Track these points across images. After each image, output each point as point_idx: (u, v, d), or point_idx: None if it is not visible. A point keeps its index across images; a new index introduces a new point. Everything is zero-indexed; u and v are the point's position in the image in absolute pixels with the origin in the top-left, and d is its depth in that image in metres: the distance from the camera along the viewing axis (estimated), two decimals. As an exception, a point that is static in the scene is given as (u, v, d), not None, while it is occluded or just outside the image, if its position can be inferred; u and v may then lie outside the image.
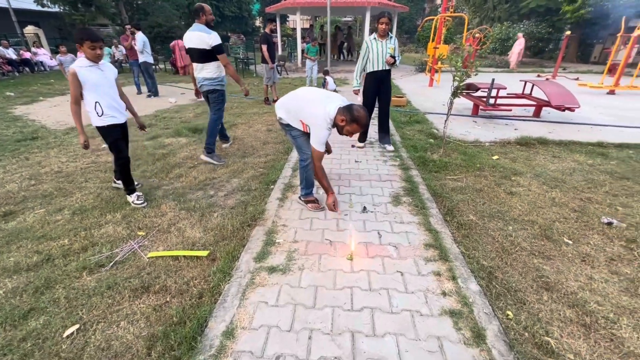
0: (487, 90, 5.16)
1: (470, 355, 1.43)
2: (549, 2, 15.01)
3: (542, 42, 16.46)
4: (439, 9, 41.57)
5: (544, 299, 1.80)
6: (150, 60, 7.70)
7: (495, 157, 3.92)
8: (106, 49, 13.67)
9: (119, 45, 13.73)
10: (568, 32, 10.09)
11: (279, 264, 2.04)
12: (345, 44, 17.14)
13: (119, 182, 2.97)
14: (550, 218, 2.63)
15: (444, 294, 1.79)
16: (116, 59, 13.16)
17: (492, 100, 5.33)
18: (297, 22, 12.52)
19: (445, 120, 4.05)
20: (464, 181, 3.27)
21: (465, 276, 1.92)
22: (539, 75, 11.00)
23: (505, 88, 5.51)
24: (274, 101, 7.25)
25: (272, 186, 3.16)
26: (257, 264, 2.04)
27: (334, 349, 1.46)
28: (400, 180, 3.29)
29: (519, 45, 12.92)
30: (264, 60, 6.85)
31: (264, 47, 6.69)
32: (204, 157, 3.78)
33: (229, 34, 30.17)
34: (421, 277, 1.93)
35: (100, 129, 2.65)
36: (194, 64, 3.58)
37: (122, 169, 2.75)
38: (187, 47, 3.52)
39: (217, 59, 3.53)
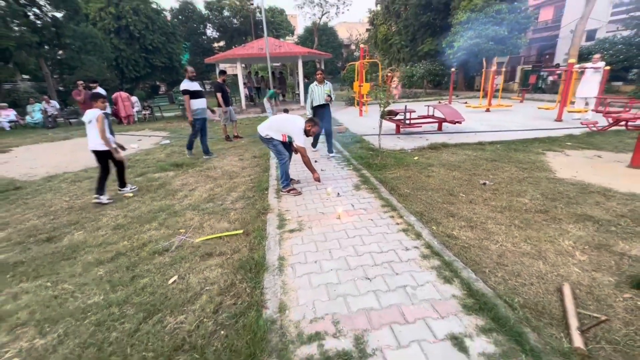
0: (403, 114, 7.01)
1: (416, 245, 2.68)
2: (437, 47, 19.21)
3: (438, 76, 20.64)
4: (356, 53, 47.31)
5: (450, 220, 3.17)
6: (109, 111, 8.16)
7: (415, 158, 5.54)
8: (37, 105, 13.22)
9: (50, 101, 13.41)
10: (453, 69, 13.33)
11: (295, 228, 3.10)
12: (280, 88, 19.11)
13: (102, 197, 4.09)
14: (452, 185, 4.15)
15: (397, 223, 3.06)
16: (49, 114, 12.77)
17: (408, 121, 7.20)
18: (239, 70, 13.96)
19: (379, 137, 5.61)
20: (398, 174, 4.73)
21: (407, 215, 3.22)
22: (439, 102, 14.02)
23: (415, 111, 7.49)
24: (235, 137, 8.26)
25: (266, 192, 4.19)
26: (280, 230, 3.07)
27: (344, 252, 2.59)
28: (356, 177, 4.62)
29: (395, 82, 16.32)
30: (219, 105, 7.92)
31: (219, 95, 7.78)
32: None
33: (159, 84, 30.41)
34: (383, 220, 3.18)
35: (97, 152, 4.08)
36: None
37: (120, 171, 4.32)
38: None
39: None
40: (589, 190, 3.81)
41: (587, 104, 8.36)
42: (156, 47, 23.18)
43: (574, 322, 1.80)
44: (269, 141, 4.04)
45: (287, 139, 4.07)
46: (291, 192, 4.07)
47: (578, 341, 1.68)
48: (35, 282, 2.49)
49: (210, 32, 38.33)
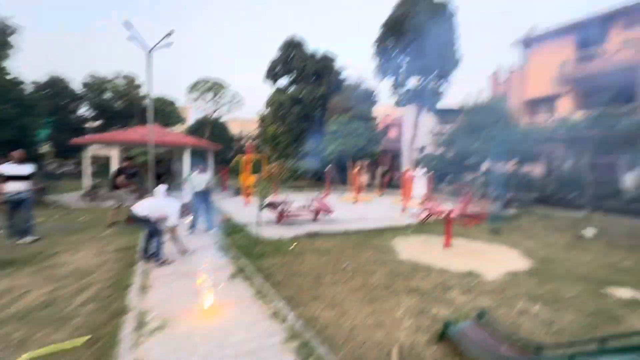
0: (283, 204, 7.76)
1: (281, 329, 2.88)
2: (316, 148, 22.68)
3: (319, 172, 23.77)
4: (244, 147, 50.03)
5: (314, 302, 3.55)
6: None
7: (292, 246, 6.04)
8: None
9: None
10: (329, 166, 15.87)
11: (157, 326, 2.87)
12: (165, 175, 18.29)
13: None
14: (321, 270, 4.69)
15: (266, 310, 3.23)
16: None
17: (286, 212, 7.94)
18: (114, 155, 12.95)
19: (258, 226, 5.98)
20: (274, 261, 5.04)
21: (277, 300, 3.45)
22: (319, 194, 15.94)
23: (294, 202, 8.39)
24: (111, 224, 7.36)
25: (128, 289, 3.76)
26: (138, 331, 2.78)
27: (209, 347, 2.54)
28: (233, 265, 4.67)
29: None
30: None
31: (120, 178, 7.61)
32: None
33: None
34: (253, 307, 3.29)
35: None
36: None
37: None
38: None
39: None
40: (418, 267, 4.92)
41: (421, 200, 11.10)
42: (5, 120, 19.50)
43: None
44: (143, 221, 4.72)
45: (162, 219, 4.78)
46: (167, 261, 4.75)
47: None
48: None
49: (85, 110, 35.11)
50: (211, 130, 39.57)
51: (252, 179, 11.10)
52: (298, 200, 9.64)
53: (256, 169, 17.55)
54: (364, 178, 14.51)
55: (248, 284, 4.00)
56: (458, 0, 56.22)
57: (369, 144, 18.45)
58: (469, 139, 13.20)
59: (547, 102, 19.86)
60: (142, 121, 29.21)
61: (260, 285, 3.91)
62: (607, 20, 18.27)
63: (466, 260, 5.43)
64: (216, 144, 18.94)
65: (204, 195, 7.05)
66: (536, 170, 17.38)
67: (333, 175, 23.08)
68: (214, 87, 39.08)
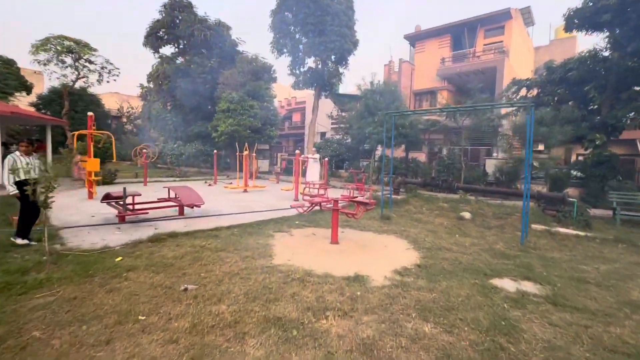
0: (124, 198, 5.53)
1: None
2: (207, 129, 19.75)
3: (211, 157, 20.94)
4: (127, 126, 42.30)
5: None
6: None
7: (118, 259, 4.06)
8: None
9: None
10: (215, 152, 13.59)
11: None
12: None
13: None
14: (140, 300, 2.95)
15: None
16: None
17: (131, 207, 5.74)
18: None
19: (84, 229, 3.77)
20: (59, 293, 3.04)
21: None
22: (206, 182, 13.60)
23: (140, 195, 6.21)
24: None
25: None
26: None
27: None
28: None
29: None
30: None
31: None
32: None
33: None
34: None
35: None
36: None
37: None
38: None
39: None
40: (292, 277, 3.67)
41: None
42: None
43: None
44: None
45: None
46: None
47: None
48: None
49: None
50: (73, 103, 31.39)
51: (94, 162, 8.16)
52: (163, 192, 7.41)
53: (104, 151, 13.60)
54: (259, 164, 12.87)
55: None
56: (358, -7, 58.50)
57: (265, 127, 16.80)
58: (365, 123, 12.93)
59: (430, 94, 21.83)
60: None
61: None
62: (474, 26, 20.77)
63: (353, 259, 4.49)
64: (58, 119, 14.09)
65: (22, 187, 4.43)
66: (421, 156, 18.86)
67: (227, 161, 20.55)
68: (75, 50, 30.60)
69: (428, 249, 5.18)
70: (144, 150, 12.10)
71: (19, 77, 32.14)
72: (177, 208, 6.75)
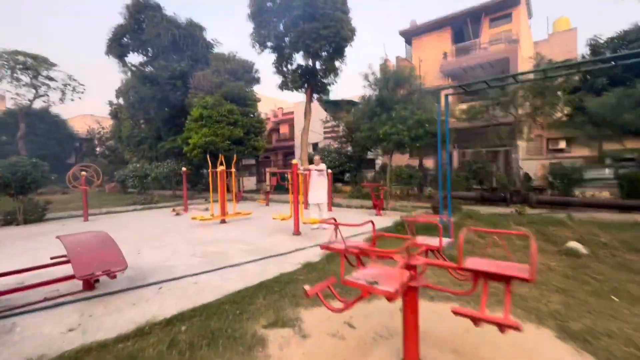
0: None
1: None
2: (179, 146, 16.49)
3: (177, 176, 17.63)
4: (98, 148, 38.55)
5: None
6: None
7: None
8: None
9: None
10: (184, 169, 10.43)
11: None
12: None
13: None
14: None
15: None
16: None
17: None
18: None
19: None
20: None
21: None
22: (173, 210, 10.33)
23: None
24: None
25: None
26: None
27: None
28: None
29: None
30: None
31: None
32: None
33: None
34: None
35: None
36: None
37: None
38: None
39: None
40: None
41: (320, 209, 7.12)
42: None
43: None
44: None
45: None
46: None
47: None
48: None
49: None
50: (32, 125, 27.74)
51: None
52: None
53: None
54: (245, 182, 9.77)
55: None
56: None
57: (251, 134, 13.75)
58: (378, 122, 10.08)
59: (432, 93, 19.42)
60: None
61: None
62: (477, 16, 18.69)
63: None
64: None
65: None
66: (428, 162, 16.13)
67: (198, 180, 17.14)
68: (31, 66, 27.00)
69: (608, 349, 2.19)
70: (83, 173, 8.82)
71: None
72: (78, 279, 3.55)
